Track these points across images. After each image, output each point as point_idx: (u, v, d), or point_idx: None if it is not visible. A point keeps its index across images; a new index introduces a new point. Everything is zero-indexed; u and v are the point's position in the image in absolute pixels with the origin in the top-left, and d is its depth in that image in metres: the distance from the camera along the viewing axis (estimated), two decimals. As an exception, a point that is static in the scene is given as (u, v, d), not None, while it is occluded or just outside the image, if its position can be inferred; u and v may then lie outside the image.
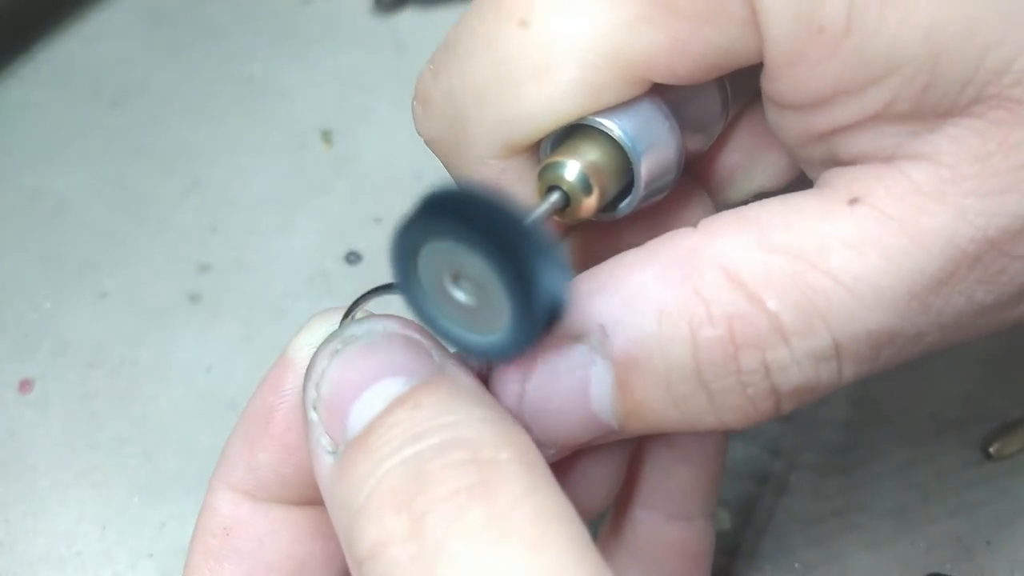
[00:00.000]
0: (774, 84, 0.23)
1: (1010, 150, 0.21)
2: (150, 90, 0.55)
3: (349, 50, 0.57)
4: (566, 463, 0.28)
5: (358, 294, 0.26)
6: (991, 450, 0.41)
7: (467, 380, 0.24)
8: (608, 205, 0.26)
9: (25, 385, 0.45)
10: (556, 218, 0.25)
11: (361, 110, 0.54)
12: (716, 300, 0.23)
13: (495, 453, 0.21)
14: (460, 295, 0.22)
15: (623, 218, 0.27)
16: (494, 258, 0.20)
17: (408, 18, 0.58)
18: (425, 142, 0.27)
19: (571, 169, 0.24)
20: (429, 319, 0.23)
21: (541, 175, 0.25)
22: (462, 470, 0.21)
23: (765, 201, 0.24)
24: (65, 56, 0.57)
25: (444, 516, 0.20)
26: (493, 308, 0.22)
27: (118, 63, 0.56)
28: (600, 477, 0.29)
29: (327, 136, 0.53)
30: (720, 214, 0.24)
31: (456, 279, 0.22)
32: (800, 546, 0.40)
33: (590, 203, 0.25)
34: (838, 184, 0.23)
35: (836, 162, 0.24)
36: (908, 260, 0.22)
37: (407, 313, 0.24)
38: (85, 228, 0.50)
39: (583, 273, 0.25)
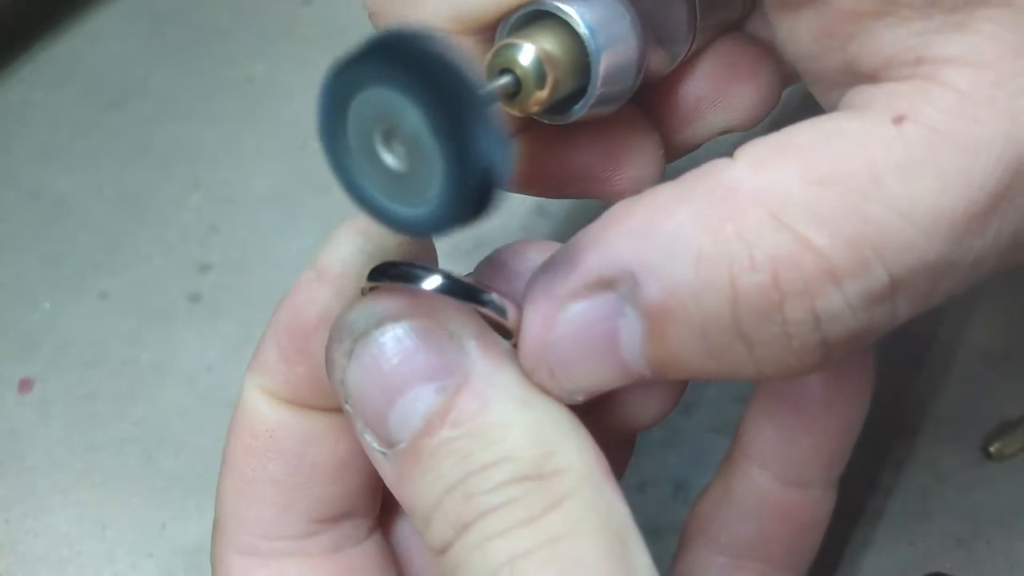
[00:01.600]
0: None
1: None
2: (150, 90, 0.55)
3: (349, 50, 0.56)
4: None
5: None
6: (991, 450, 0.41)
7: (499, 376, 0.23)
8: (558, 105, 0.24)
9: (25, 385, 0.44)
10: (504, 107, 0.23)
11: (361, 110, 0.54)
12: (759, 243, 0.20)
13: (536, 468, 0.22)
14: (389, 158, 0.20)
15: (571, 125, 0.25)
16: (433, 110, 0.18)
17: (408, 18, 0.58)
18: (368, 15, 0.25)
19: (526, 53, 0.23)
20: (353, 184, 0.21)
21: (493, 57, 0.23)
22: (506, 488, 0.21)
23: (801, 125, 0.22)
24: (65, 56, 0.57)
25: (488, 524, 0.21)
26: (423, 176, 0.19)
27: (118, 63, 0.56)
28: (648, 399, 0.28)
29: (327, 136, 0.53)
30: (757, 140, 0.22)
31: (387, 140, 0.20)
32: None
33: (542, 95, 0.23)
34: (877, 102, 0.21)
35: (857, 74, 0.22)
36: (965, 178, 0.20)
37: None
38: (85, 228, 0.50)
39: (608, 212, 0.23)
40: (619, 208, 0.23)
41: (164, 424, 0.43)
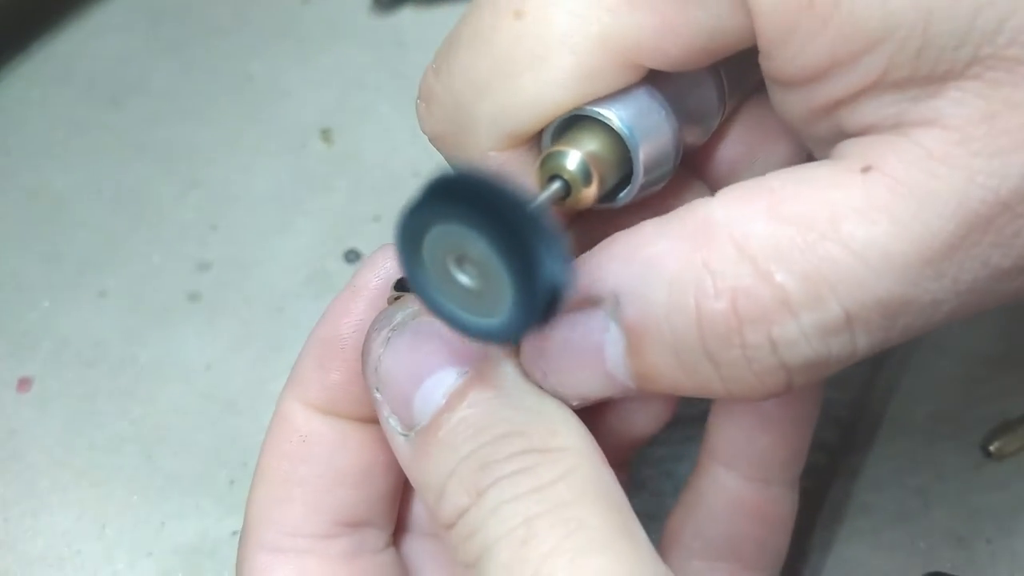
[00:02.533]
0: (770, 62, 0.24)
1: (1014, 109, 0.21)
2: (150, 89, 0.55)
3: (349, 49, 0.56)
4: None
5: None
6: (991, 449, 0.41)
7: (509, 365, 0.26)
8: (607, 195, 0.26)
9: (24, 384, 0.44)
10: (556, 208, 0.25)
11: (361, 109, 0.54)
12: (722, 272, 0.23)
13: (544, 441, 0.24)
14: (464, 278, 0.23)
15: (622, 208, 0.27)
16: (497, 241, 0.21)
17: (407, 17, 0.58)
18: (430, 140, 0.28)
19: (572, 158, 0.25)
20: (433, 302, 0.23)
21: (542, 165, 0.25)
22: (514, 459, 0.24)
23: (780, 171, 0.24)
24: (64, 54, 0.57)
25: (500, 489, 0.24)
26: (495, 292, 0.22)
27: (118, 62, 0.56)
28: (647, 406, 0.30)
29: (327, 135, 0.53)
30: (737, 184, 0.24)
31: (460, 262, 0.23)
32: (800, 546, 0.39)
33: (590, 192, 0.25)
34: (850, 153, 0.23)
35: (843, 136, 0.24)
36: (919, 225, 0.22)
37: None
38: (84, 226, 0.50)
39: (605, 239, 0.25)
40: (612, 237, 0.25)
41: (163, 423, 0.43)
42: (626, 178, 0.26)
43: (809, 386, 0.30)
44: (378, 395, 0.27)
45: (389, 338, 0.26)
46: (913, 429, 0.42)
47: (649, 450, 0.41)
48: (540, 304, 0.21)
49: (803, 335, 0.22)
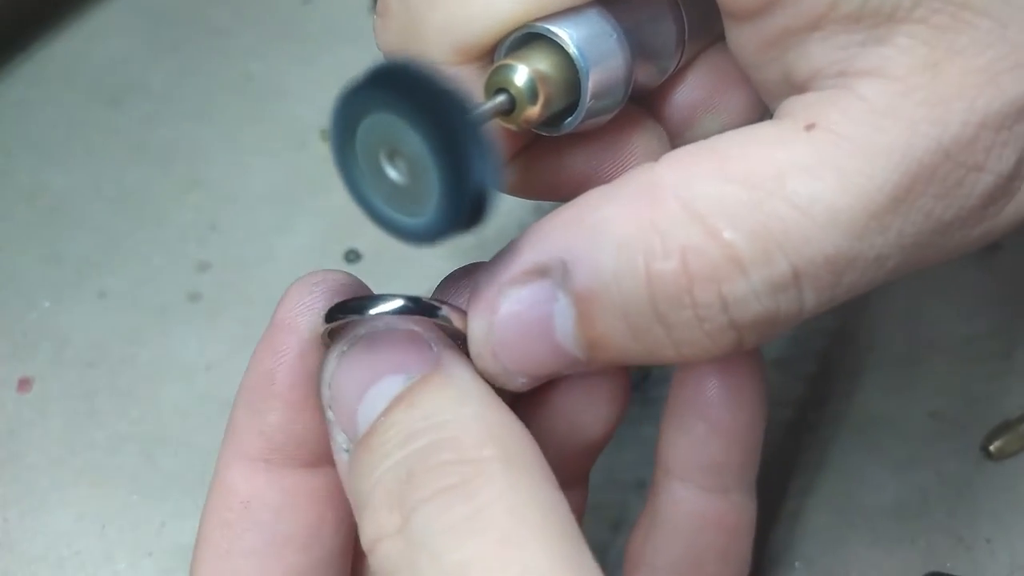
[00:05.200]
0: None
1: (955, 56, 0.21)
2: (149, 89, 0.55)
3: (348, 49, 0.56)
4: (558, 392, 0.29)
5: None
6: (991, 449, 0.41)
7: (460, 370, 0.24)
8: (552, 119, 0.26)
9: (24, 384, 0.44)
10: (501, 122, 0.25)
11: (361, 109, 0.54)
12: (671, 232, 0.22)
13: (479, 452, 0.22)
14: (393, 173, 0.22)
15: (568, 136, 0.27)
16: (430, 135, 0.20)
17: (408, 17, 0.58)
18: (384, 56, 0.28)
19: (520, 73, 0.25)
20: (360, 194, 0.23)
21: (490, 78, 0.25)
22: (446, 471, 0.22)
23: (725, 133, 0.24)
24: (64, 55, 0.57)
25: (428, 514, 0.21)
26: (422, 190, 0.22)
27: (117, 62, 0.56)
28: (596, 401, 0.29)
29: (326, 134, 0.53)
30: (683, 147, 0.24)
31: (391, 156, 0.22)
32: (799, 545, 0.40)
33: (535, 110, 0.25)
34: (795, 111, 0.23)
35: (792, 85, 0.24)
36: (863, 179, 0.22)
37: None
38: (84, 227, 0.50)
39: (553, 211, 0.25)
40: (558, 207, 0.25)
41: (163, 423, 0.43)
42: (572, 106, 0.26)
43: (758, 388, 0.30)
44: (330, 414, 0.25)
45: (344, 351, 0.25)
46: (913, 429, 0.42)
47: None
48: (465, 206, 0.21)
49: (752, 292, 0.22)
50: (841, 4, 0.22)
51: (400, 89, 0.21)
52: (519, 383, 0.26)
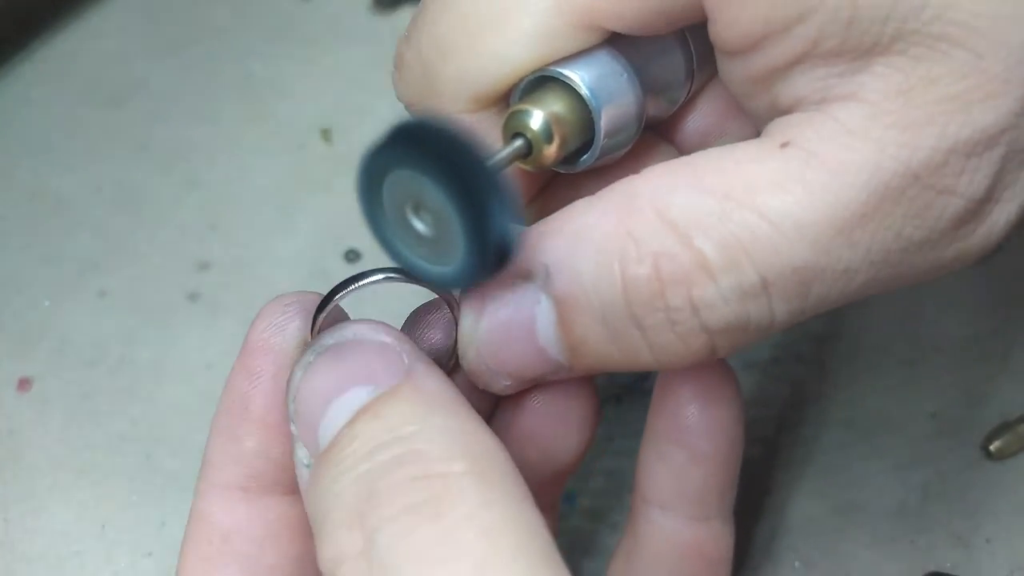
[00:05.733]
0: (713, 28, 0.24)
1: (930, 84, 0.22)
2: (149, 88, 0.55)
3: (348, 48, 0.56)
4: (526, 414, 0.29)
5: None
6: (991, 449, 0.41)
7: (434, 383, 0.23)
8: (569, 157, 0.27)
9: (24, 384, 0.44)
10: (519, 164, 0.26)
11: (360, 108, 0.54)
12: (645, 239, 0.23)
13: (448, 466, 0.21)
14: (419, 225, 0.23)
15: (585, 172, 0.28)
16: (452, 190, 0.21)
17: (407, 16, 0.58)
18: (405, 107, 0.28)
19: (535, 117, 0.25)
20: (389, 245, 0.24)
21: (506, 123, 0.26)
22: (412, 487, 0.21)
23: (707, 150, 0.25)
24: (64, 54, 0.57)
25: (393, 535, 0.20)
26: (449, 240, 0.23)
27: (117, 61, 0.56)
28: (567, 424, 0.29)
29: (326, 134, 0.53)
30: (664, 162, 0.25)
31: (417, 209, 0.23)
32: (800, 545, 0.40)
33: (551, 151, 0.26)
34: (774, 131, 0.24)
35: (777, 112, 0.25)
36: (830, 195, 0.22)
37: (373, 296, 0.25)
38: (84, 226, 0.50)
39: (540, 220, 0.26)
40: (546, 217, 0.26)
41: (163, 422, 0.43)
42: (589, 142, 0.27)
43: (735, 416, 0.31)
44: (294, 428, 0.24)
45: (309, 362, 0.24)
46: (913, 429, 0.42)
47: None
48: (490, 255, 0.22)
49: (722, 297, 0.23)
50: (822, 41, 0.23)
51: (419, 146, 0.21)
52: (502, 385, 0.27)
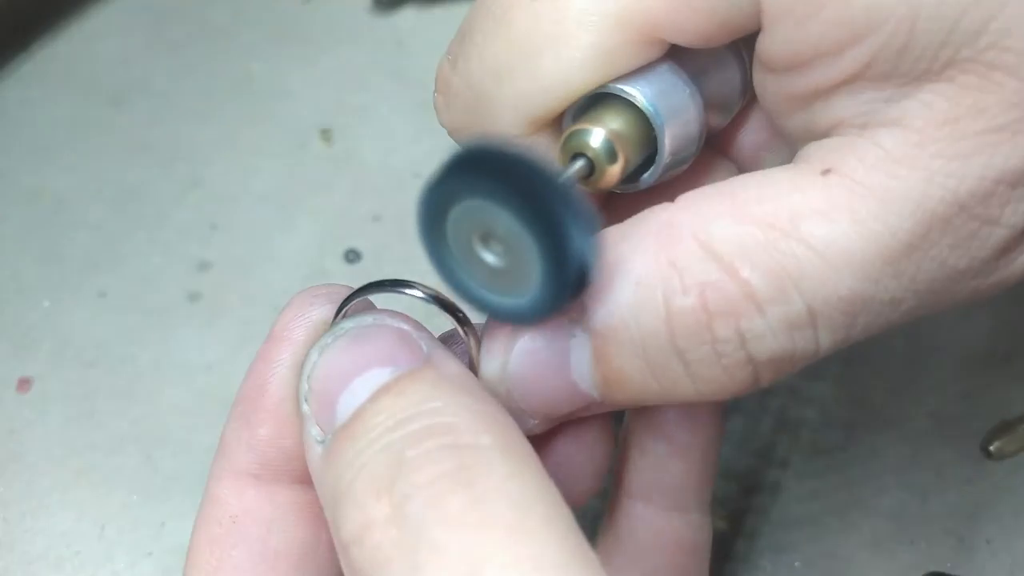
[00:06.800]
0: (764, 41, 0.24)
1: (979, 114, 0.22)
2: (150, 89, 0.55)
3: (349, 49, 0.56)
4: (548, 449, 0.28)
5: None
6: (991, 449, 0.41)
7: (454, 368, 0.24)
8: (631, 176, 0.26)
9: (24, 384, 0.44)
10: (580, 187, 0.25)
11: (361, 109, 0.54)
12: (689, 269, 0.23)
13: (476, 438, 0.21)
14: (489, 257, 0.22)
15: (646, 191, 0.27)
16: (527, 215, 0.20)
17: (407, 17, 0.58)
18: (449, 133, 0.28)
19: (596, 136, 0.24)
20: (457, 281, 0.23)
21: (565, 143, 0.25)
22: (442, 455, 0.21)
23: (740, 176, 0.24)
24: (65, 55, 0.57)
25: (424, 502, 0.20)
26: (522, 270, 0.21)
27: (118, 62, 0.56)
28: (584, 462, 0.29)
29: (327, 135, 0.53)
30: (697, 189, 0.24)
31: (485, 240, 0.22)
32: (800, 545, 0.39)
33: (614, 171, 0.25)
34: (812, 157, 0.23)
35: (813, 133, 0.24)
36: (878, 224, 0.22)
37: (411, 302, 0.25)
38: (84, 227, 0.50)
39: None
40: None
41: (163, 423, 0.43)
42: (650, 159, 0.26)
43: (715, 408, 0.30)
44: (305, 407, 0.24)
45: (327, 344, 0.24)
46: (913, 429, 0.42)
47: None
48: (570, 280, 0.21)
49: (769, 329, 0.23)
50: (875, 65, 0.22)
51: (487, 173, 0.20)
52: (530, 425, 0.26)
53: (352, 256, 0.48)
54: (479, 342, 0.26)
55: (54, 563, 0.40)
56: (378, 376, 0.23)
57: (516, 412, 0.25)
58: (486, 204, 0.21)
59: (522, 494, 0.20)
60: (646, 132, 0.25)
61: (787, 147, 0.30)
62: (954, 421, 0.42)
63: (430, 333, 0.25)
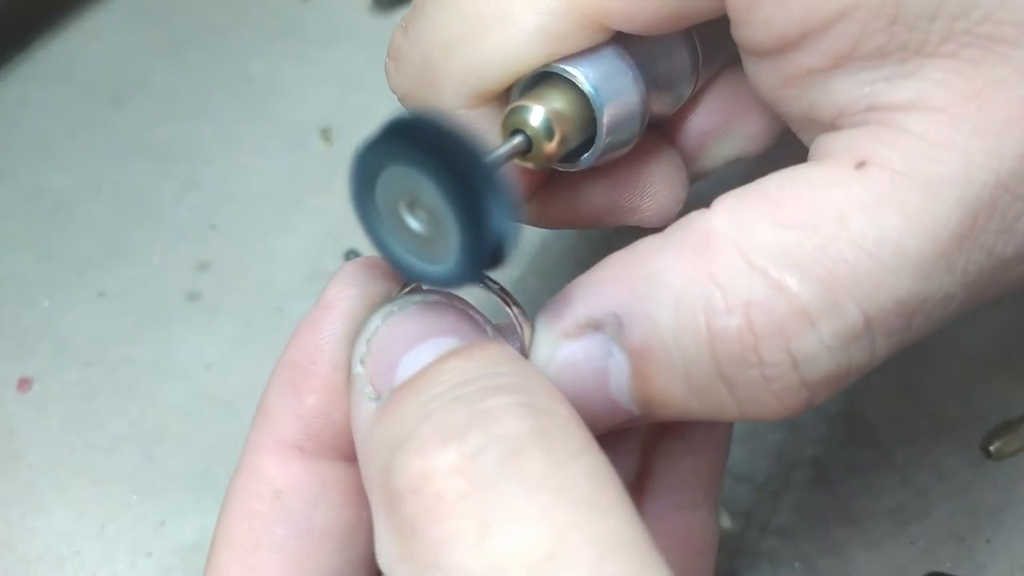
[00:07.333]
0: (742, 30, 0.23)
1: (998, 86, 0.21)
2: (149, 88, 0.55)
3: (348, 48, 0.56)
4: None
5: None
6: (991, 449, 0.41)
7: (514, 349, 0.23)
8: (569, 156, 0.26)
9: (24, 384, 0.44)
10: (518, 161, 0.25)
11: (360, 108, 0.54)
12: (732, 285, 0.21)
13: (551, 404, 0.20)
14: (413, 223, 0.22)
15: (586, 171, 0.27)
16: (446, 185, 0.21)
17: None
18: (399, 99, 0.28)
19: (535, 114, 0.25)
20: (381, 242, 0.23)
21: (506, 119, 0.25)
22: (521, 412, 0.20)
23: (772, 175, 0.23)
24: (64, 54, 0.57)
25: (501, 456, 0.19)
26: (443, 238, 0.22)
27: (117, 61, 0.56)
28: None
29: (326, 134, 0.53)
30: (732, 191, 0.23)
31: (411, 206, 0.22)
32: (800, 545, 0.39)
33: (551, 148, 0.25)
34: (837, 149, 0.22)
35: (817, 120, 0.23)
36: (928, 216, 0.21)
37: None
38: (84, 226, 0.50)
39: (601, 261, 0.24)
40: (607, 258, 0.24)
41: (163, 422, 0.43)
42: (590, 140, 0.26)
43: None
44: (360, 369, 0.23)
45: (392, 312, 0.24)
46: (913, 429, 0.42)
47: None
48: (485, 252, 0.21)
49: (824, 346, 0.21)
50: (865, 41, 0.21)
51: (414, 141, 0.21)
52: None
53: (352, 256, 0.48)
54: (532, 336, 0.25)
55: (54, 563, 0.40)
56: (444, 343, 0.22)
57: None
58: (412, 171, 0.21)
59: (598, 469, 0.19)
60: (587, 113, 0.26)
61: (742, 133, 0.30)
62: (954, 421, 0.42)
63: (489, 319, 0.25)
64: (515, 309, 0.25)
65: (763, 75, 0.24)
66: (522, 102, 0.25)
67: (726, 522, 0.40)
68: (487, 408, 0.20)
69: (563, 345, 0.24)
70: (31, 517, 0.41)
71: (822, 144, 0.23)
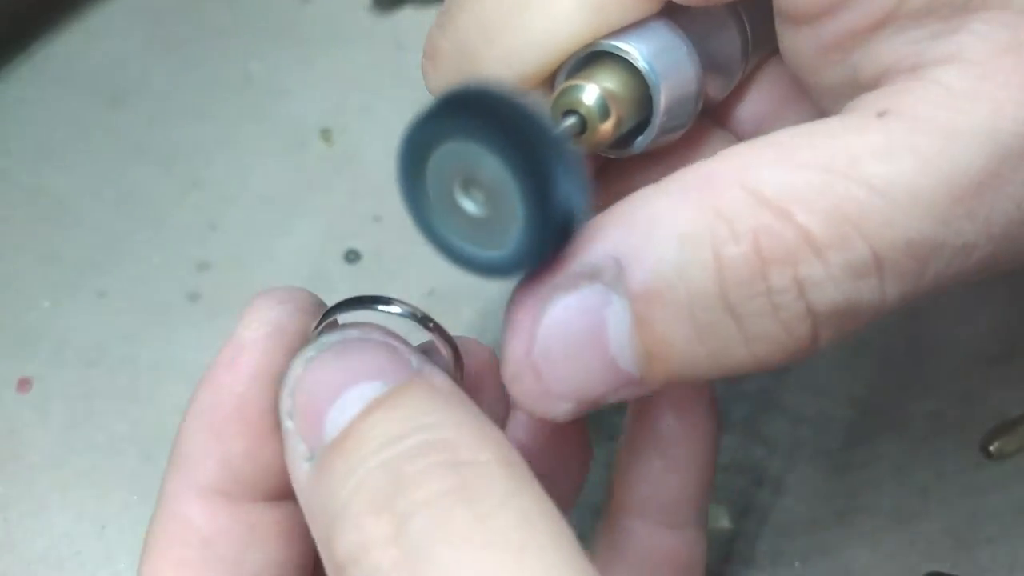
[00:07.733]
0: None
1: None
2: (149, 89, 0.55)
3: (349, 49, 0.56)
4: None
5: (356, 293, 0.25)
6: (991, 449, 0.41)
7: (444, 382, 0.23)
8: (623, 140, 0.25)
9: (24, 384, 0.44)
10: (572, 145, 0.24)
11: (361, 109, 0.54)
12: (739, 217, 0.21)
13: (474, 454, 0.20)
14: (469, 205, 0.21)
15: (638, 157, 0.26)
16: (512, 157, 0.19)
17: (407, 17, 0.58)
18: (430, 91, 0.27)
19: (589, 92, 0.23)
20: (430, 229, 0.22)
21: (558, 100, 0.24)
22: (443, 472, 0.20)
23: (786, 128, 0.22)
24: (64, 55, 0.57)
25: (427, 520, 0.19)
26: (503, 220, 0.20)
27: (117, 62, 0.56)
28: (562, 478, 0.29)
29: (327, 135, 0.53)
30: (738, 144, 0.22)
31: (466, 187, 0.21)
32: (800, 545, 0.39)
33: (607, 129, 0.23)
34: (864, 104, 0.22)
35: (858, 85, 0.23)
36: (946, 161, 0.20)
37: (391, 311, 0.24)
38: (84, 227, 0.50)
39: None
40: (607, 209, 0.23)
41: (163, 423, 0.43)
42: (643, 124, 0.25)
43: (711, 421, 0.30)
44: (289, 424, 0.23)
45: (311, 357, 0.23)
46: (913, 429, 0.42)
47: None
48: (552, 230, 0.20)
49: (830, 276, 0.21)
50: None
51: (475, 113, 0.19)
52: (562, 410, 0.23)
53: (352, 256, 0.48)
54: (459, 357, 0.25)
55: (54, 563, 0.40)
56: (368, 390, 0.22)
57: (546, 396, 0.23)
58: (471, 146, 0.20)
59: (526, 511, 0.20)
60: (641, 92, 0.24)
61: (794, 120, 0.29)
62: (954, 421, 0.42)
63: (415, 348, 0.24)
64: (432, 327, 0.24)
65: (802, 43, 0.23)
66: (573, 82, 0.24)
67: (725, 521, 0.40)
68: (411, 473, 0.20)
69: (556, 301, 0.22)
70: (31, 517, 0.41)
71: (853, 103, 0.23)
